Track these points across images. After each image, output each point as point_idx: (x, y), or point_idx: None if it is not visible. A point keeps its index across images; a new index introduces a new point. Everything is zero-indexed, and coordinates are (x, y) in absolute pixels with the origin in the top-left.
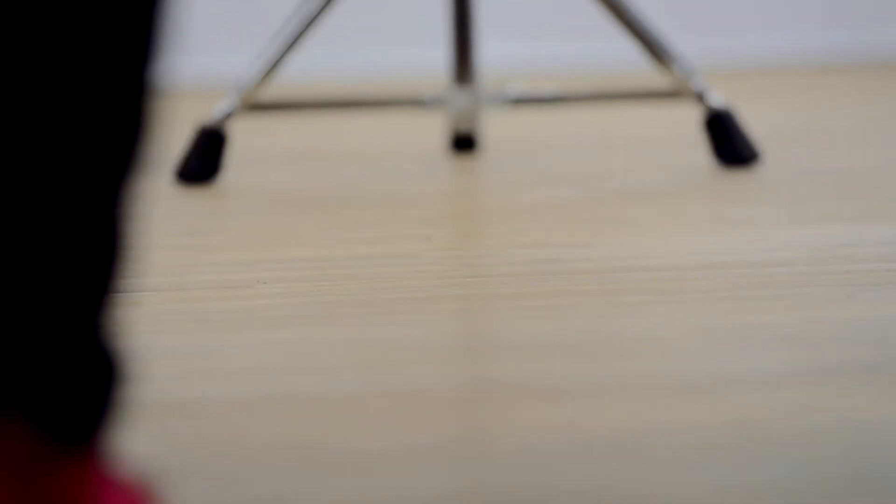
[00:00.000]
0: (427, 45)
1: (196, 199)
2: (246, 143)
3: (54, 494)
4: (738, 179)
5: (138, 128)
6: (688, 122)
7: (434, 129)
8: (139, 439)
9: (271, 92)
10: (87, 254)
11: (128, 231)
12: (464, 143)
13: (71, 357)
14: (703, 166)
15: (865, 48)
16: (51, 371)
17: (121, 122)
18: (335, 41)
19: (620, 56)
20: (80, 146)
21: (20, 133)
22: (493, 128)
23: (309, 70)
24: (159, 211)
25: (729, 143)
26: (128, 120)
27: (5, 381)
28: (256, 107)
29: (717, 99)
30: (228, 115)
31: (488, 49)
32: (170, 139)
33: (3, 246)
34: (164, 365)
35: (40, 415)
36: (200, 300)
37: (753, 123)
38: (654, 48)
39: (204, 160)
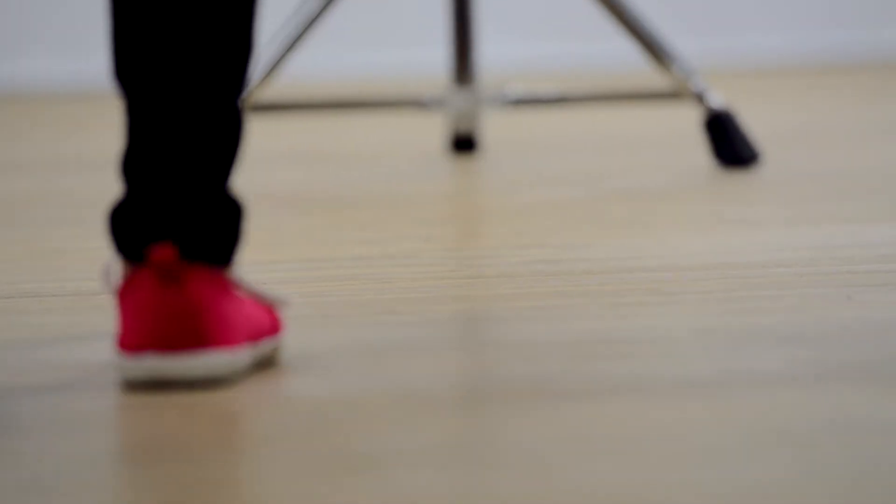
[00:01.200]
0: (427, 45)
1: None
2: (246, 143)
3: (193, 299)
4: (737, 180)
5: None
6: (688, 123)
7: (434, 130)
8: (140, 439)
9: (272, 92)
10: (228, 134)
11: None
12: (464, 143)
13: (215, 200)
14: (703, 167)
15: (865, 48)
16: (202, 208)
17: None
18: (335, 41)
19: (620, 57)
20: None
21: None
22: (493, 128)
23: (309, 70)
24: None
25: (729, 143)
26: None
27: (165, 217)
28: (257, 107)
29: (717, 100)
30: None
31: (488, 50)
32: None
33: (184, 131)
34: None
35: (189, 241)
36: None
37: (753, 124)
38: (654, 49)
39: None
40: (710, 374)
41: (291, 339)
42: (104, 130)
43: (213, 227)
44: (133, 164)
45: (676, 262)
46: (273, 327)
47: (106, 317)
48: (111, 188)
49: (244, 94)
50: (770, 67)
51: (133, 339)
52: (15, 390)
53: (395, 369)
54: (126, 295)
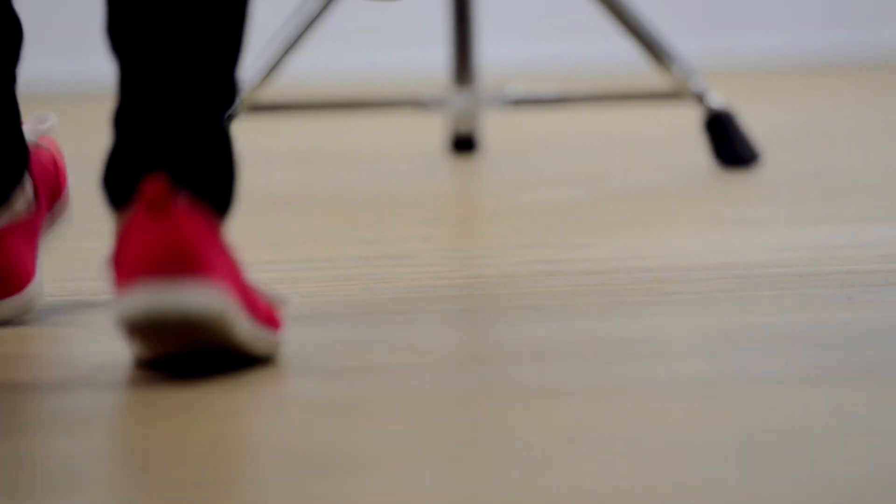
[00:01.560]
0: (427, 45)
1: None
2: (246, 143)
3: (182, 227)
4: (737, 180)
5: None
6: (688, 123)
7: (434, 130)
8: (140, 439)
9: (271, 92)
10: (220, 81)
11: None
12: (464, 143)
13: (207, 136)
14: (703, 167)
15: (865, 48)
16: (193, 142)
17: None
18: (335, 41)
19: (620, 57)
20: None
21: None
22: (493, 128)
23: (309, 70)
24: None
25: (729, 143)
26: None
27: (156, 151)
28: (257, 107)
29: (717, 100)
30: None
31: (488, 50)
32: None
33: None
34: (165, 363)
35: (182, 175)
36: None
37: (753, 124)
38: (654, 49)
39: None
40: (709, 374)
41: (291, 339)
42: (104, 130)
43: (205, 158)
44: (125, 114)
45: (676, 262)
46: (273, 322)
47: (104, 315)
48: None
49: (238, 59)
50: (770, 67)
51: (125, 273)
52: (14, 390)
53: (395, 369)
54: (120, 239)
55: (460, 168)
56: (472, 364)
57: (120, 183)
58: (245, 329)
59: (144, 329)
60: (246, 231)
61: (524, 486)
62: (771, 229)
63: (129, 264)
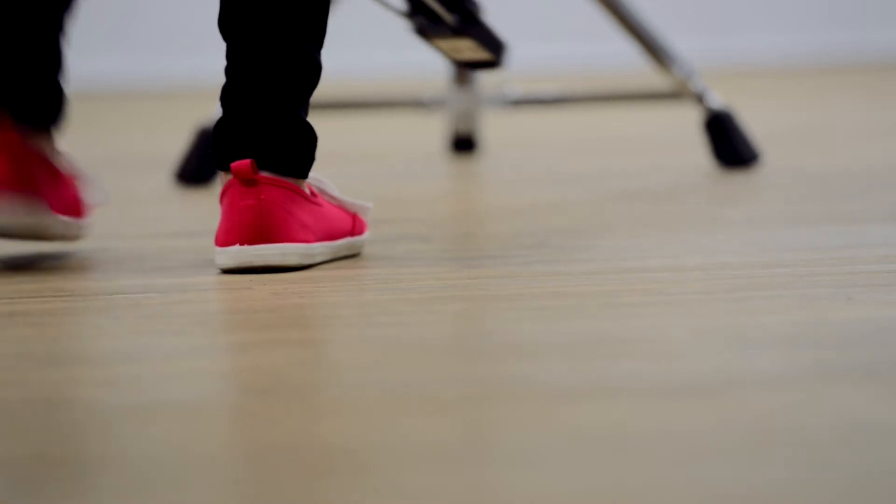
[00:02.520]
0: (427, 46)
1: (196, 199)
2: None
3: (265, 201)
4: (737, 180)
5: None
6: (688, 123)
7: (434, 130)
8: (140, 440)
9: None
10: (303, 73)
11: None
12: (463, 143)
13: (287, 123)
14: (703, 167)
15: (865, 48)
16: (276, 129)
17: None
18: (336, 42)
19: (620, 57)
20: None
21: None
22: (493, 129)
23: None
24: (159, 211)
25: (729, 143)
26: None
27: (245, 135)
28: None
29: (717, 100)
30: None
31: None
32: (170, 140)
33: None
34: (165, 365)
35: (264, 154)
36: (200, 301)
37: (753, 124)
38: (654, 49)
39: (204, 161)
40: (709, 375)
41: (291, 339)
42: (103, 130)
43: (284, 143)
44: (227, 95)
45: (676, 262)
46: (355, 229)
47: (106, 318)
48: (108, 186)
49: (321, 44)
50: (770, 68)
51: (222, 236)
52: (13, 390)
53: (395, 369)
54: (222, 200)
55: (460, 168)
56: (471, 364)
57: (220, 151)
58: (322, 257)
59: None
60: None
61: (524, 487)
62: (771, 229)
63: (225, 229)
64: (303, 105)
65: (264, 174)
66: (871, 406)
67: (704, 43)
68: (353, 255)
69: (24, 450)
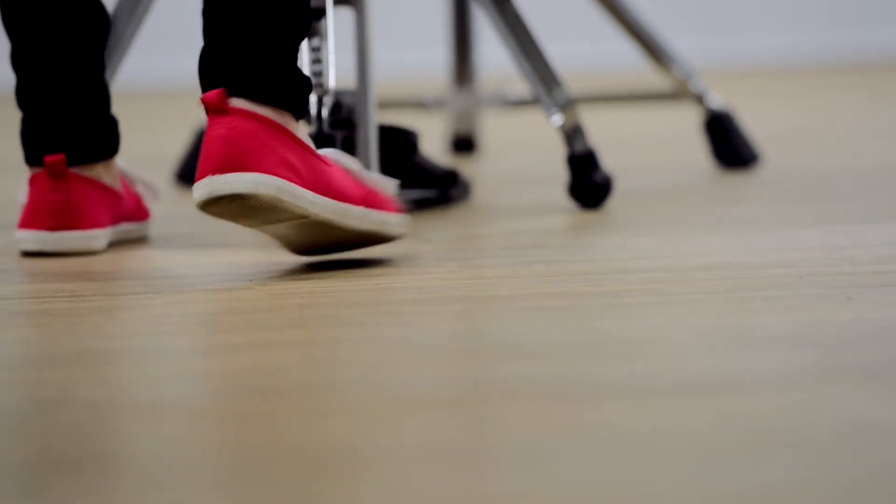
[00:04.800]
0: (427, 46)
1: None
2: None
3: (234, 128)
4: (737, 181)
5: None
6: (687, 124)
7: (434, 131)
8: (141, 440)
9: None
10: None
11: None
12: (463, 144)
13: (274, 52)
14: (702, 167)
15: (865, 48)
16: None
17: None
18: (336, 42)
19: (620, 57)
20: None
21: None
22: (493, 129)
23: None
24: (159, 212)
25: (729, 144)
26: None
27: (216, 61)
28: None
29: (717, 100)
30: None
31: (488, 51)
32: (170, 140)
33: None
34: (165, 366)
35: (238, 86)
36: (200, 302)
37: (753, 124)
38: (653, 49)
39: None
40: (710, 375)
41: (291, 339)
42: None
43: (260, 70)
44: (209, 27)
45: (676, 263)
46: (371, 202)
47: (106, 318)
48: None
49: None
50: (770, 68)
51: (198, 172)
52: (13, 390)
53: (396, 369)
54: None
55: (460, 168)
56: (471, 364)
57: (203, 83)
58: (315, 205)
59: (211, 211)
60: (246, 232)
61: (524, 487)
62: (771, 229)
63: (202, 162)
64: (288, 47)
65: (238, 103)
66: (871, 406)
67: (704, 43)
68: (383, 238)
69: (25, 450)
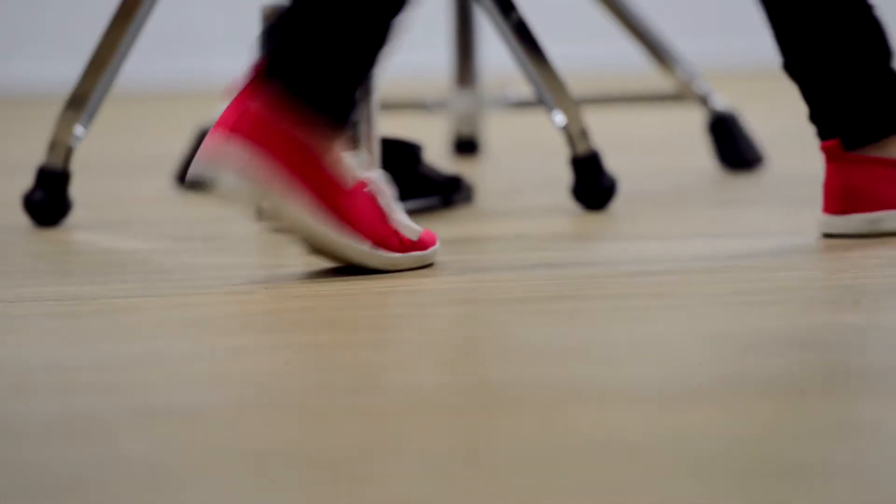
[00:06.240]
0: (429, 48)
1: (196, 202)
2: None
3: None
4: (742, 183)
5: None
6: (691, 125)
7: (436, 132)
8: (141, 442)
9: None
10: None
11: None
12: (465, 145)
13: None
14: (706, 169)
15: None
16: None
17: None
18: None
19: (623, 59)
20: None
21: None
22: (495, 131)
23: None
24: (160, 214)
25: (733, 146)
26: None
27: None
28: None
29: (721, 102)
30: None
31: (490, 52)
32: (170, 141)
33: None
34: (166, 369)
35: (277, 68)
36: (201, 304)
37: (757, 126)
38: (657, 51)
39: None
40: (714, 379)
41: (292, 342)
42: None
43: (314, 67)
44: (287, 20)
45: (680, 265)
46: (386, 243)
47: (106, 322)
48: (108, 188)
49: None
50: (774, 69)
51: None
52: (13, 395)
53: (395, 371)
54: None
55: (462, 170)
56: (472, 366)
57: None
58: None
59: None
60: (247, 234)
61: (524, 488)
62: (776, 232)
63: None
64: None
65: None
66: (879, 412)
67: (708, 44)
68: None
69: (25, 454)
